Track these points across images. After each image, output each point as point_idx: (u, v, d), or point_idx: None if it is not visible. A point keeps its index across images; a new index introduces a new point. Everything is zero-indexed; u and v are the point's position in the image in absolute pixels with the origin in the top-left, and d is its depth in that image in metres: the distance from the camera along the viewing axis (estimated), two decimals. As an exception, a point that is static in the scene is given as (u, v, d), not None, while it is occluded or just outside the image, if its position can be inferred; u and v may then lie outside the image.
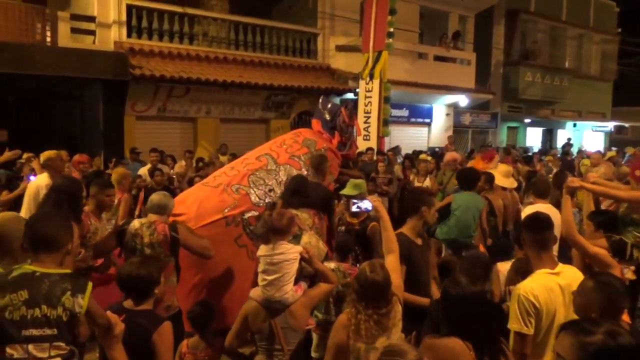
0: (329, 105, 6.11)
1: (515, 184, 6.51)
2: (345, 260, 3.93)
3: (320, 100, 6.26)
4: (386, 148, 11.71)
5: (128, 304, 2.70)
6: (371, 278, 2.59)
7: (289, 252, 3.06)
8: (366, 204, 3.27)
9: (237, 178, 4.58)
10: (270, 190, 4.58)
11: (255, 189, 4.51)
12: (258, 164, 4.83)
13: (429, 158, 9.89)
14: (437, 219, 5.75)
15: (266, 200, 4.48)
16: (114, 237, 3.76)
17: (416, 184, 8.74)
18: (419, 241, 3.57)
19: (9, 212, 3.23)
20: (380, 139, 11.29)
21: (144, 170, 7.98)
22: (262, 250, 3.12)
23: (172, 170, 8.64)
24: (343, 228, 4.53)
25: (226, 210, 4.29)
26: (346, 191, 4.61)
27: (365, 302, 2.59)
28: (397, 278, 2.90)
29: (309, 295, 3.14)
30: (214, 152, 10.36)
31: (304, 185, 4.35)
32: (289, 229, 3.14)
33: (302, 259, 3.10)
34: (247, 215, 4.35)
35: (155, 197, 3.82)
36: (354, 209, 3.42)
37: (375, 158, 9.40)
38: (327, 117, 5.99)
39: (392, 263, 2.98)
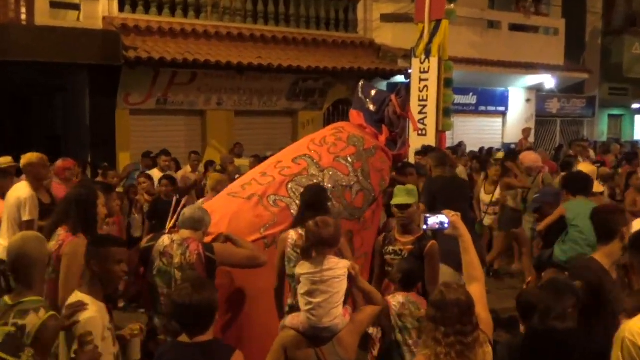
0: (373, 93, 6.15)
1: (601, 188, 6.66)
2: (410, 291, 4.02)
3: (360, 86, 6.30)
4: (448, 145, 11.61)
5: (184, 338, 2.82)
6: (450, 295, 2.66)
7: (338, 267, 3.20)
8: (441, 219, 3.25)
9: (274, 187, 4.65)
10: None
11: (297, 201, 4.53)
12: (296, 167, 4.87)
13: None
14: (545, 238, 5.94)
15: None
16: (137, 254, 3.97)
17: (483, 195, 8.54)
18: (613, 274, 3.47)
19: (29, 232, 3.61)
20: (440, 133, 11.15)
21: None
22: (304, 267, 3.24)
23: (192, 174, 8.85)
24: (390, 249, 4.51)
25: (264, 229, 4.38)
26: (398, 200, 4.49)
27: (446, 327, 2.62)
28: (484, 312, 2.89)
29: (356, 320, 3.30)
30: (226, 155, 10.48)
31: (322, 198, 4.37)
32: (337, 239, 3.32)
33: (348, 276, 3.23)
34: None
35: (188, 210, 4.05)
36: (423, 226, 3.39)
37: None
38: (372, 107, 6.02)
39: (478, 293, 2.98)
